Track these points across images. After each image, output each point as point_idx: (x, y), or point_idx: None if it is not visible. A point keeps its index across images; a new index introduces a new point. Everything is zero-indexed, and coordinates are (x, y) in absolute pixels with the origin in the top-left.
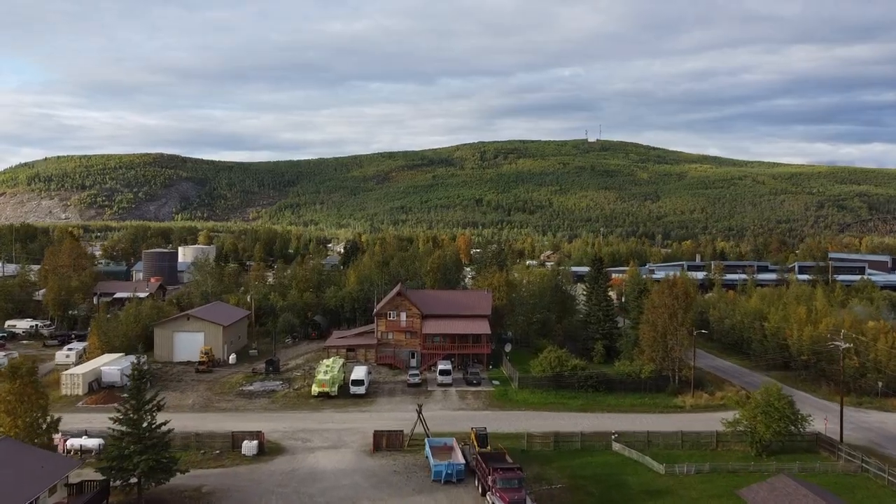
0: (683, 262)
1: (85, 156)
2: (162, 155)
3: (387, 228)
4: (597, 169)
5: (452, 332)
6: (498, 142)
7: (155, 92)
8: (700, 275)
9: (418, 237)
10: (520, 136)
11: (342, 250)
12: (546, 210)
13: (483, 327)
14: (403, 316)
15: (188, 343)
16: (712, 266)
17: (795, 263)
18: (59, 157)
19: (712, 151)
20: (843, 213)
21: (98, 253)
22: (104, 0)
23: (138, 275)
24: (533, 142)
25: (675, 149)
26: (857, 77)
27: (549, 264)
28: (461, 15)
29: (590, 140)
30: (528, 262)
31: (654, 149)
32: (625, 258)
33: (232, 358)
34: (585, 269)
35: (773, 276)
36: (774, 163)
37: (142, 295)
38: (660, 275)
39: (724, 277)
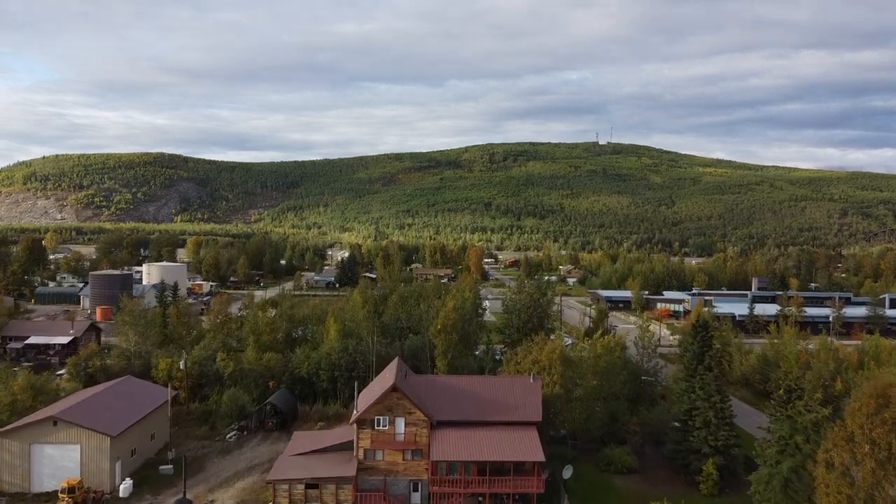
0: (747, 292)
1: (84, 155)
2: (163, 154)
3: (392, 232)
4: (609, 172)
5: (480, 457)
6: (507, 143)
7: (165, 92)
8: (772, 308)
9: (425, 246)
10: (528, 138)
11: (342, 259)
12: (557, 215)
13: (531, 447)
14: (400, 424)
15: (56, 462)
16: (787, 298)
17: (885, 296)
18: (57, 156)
19: (720, 155)
20: (869, 221)
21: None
22: (117, 1)
23: (87, 301)
24: (543, 144)
25: (687, 152)
26: (867, 82)
27: (571, 281)
28: (471, 17)
29: (601, 143)
30: (546, 278)
31: (666, 152)
32: (662, 278)
33: (125, 487)
34: (623, 294)
35: (861, 310)
36: (792, 167)
37: (59, 341)
38: (721, 309)
39: (805, 313)
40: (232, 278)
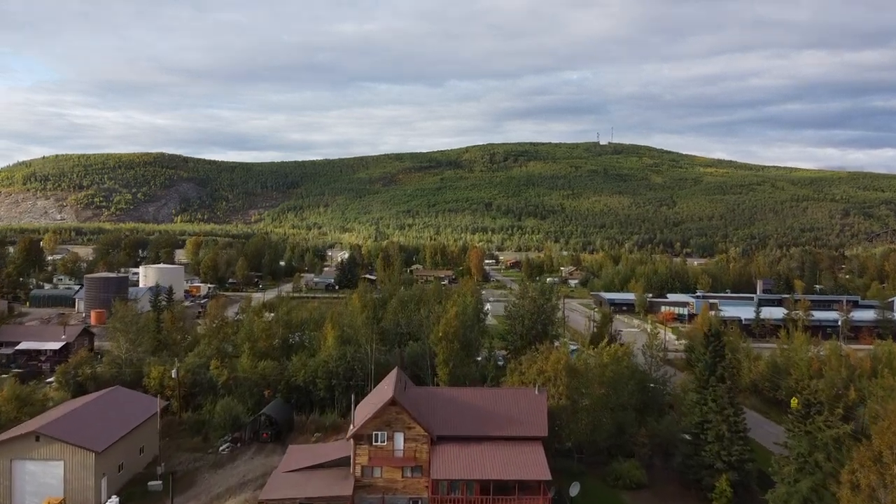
0: (752, 295)
1: (84, 155)
2: (163, 154)
3: (392, 233)
4: (609, 173)
5: (483, 475)
6: (507, 143)
7: (165, 92)
8: (778, 312)
9: (425, 247)
10: (528, 138)
11: (342, 260)
12: (558, 215)
13: (536, 464)
14: (399, 440)
15: (38, 479)
16: (794, 301)
17: (894, 299)
18: (57, 156)
19: (720, 155)
20: (871, 222)
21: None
22: (117, 1)
23: (82, 304)
24: (543, 144)
25: (688, 152)
26: (867, 82)
27: (572, 282)
28: (471, 17)
29: (602, 143)
30: (548, 279)
31: (667, 152)
32: (665, 280)
33: None
34: (626, 296)
35: (869, 314)
36: (793, 167)
37: (51, 346)
38: (727, 313)
39: (812, 317)
40: (230, 280)
